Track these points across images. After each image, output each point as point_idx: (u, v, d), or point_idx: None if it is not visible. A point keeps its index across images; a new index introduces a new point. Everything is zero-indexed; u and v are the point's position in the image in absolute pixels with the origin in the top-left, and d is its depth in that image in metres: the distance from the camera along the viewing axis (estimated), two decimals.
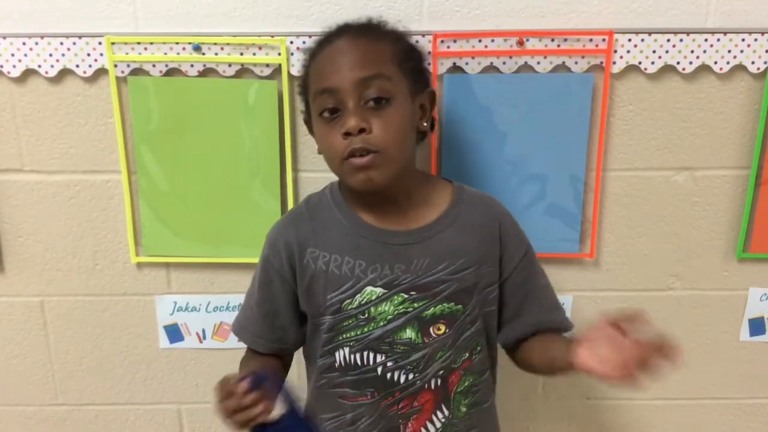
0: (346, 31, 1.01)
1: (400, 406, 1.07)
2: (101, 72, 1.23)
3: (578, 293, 1.38)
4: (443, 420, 1.08)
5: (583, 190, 1.29)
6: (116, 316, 1.40)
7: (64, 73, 1.23)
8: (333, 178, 1.13)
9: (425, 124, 1.05)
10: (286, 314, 1.10)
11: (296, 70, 1.22)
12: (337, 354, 1.06)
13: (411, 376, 1.05)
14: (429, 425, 1.08)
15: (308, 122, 1.08)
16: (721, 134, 1.28)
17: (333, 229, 1.05)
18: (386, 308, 1.03)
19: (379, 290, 1.03)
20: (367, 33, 1.01)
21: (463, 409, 1.10)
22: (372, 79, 0.96)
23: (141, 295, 1.38)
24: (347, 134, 0.95)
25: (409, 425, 1.08)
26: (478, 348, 1.10)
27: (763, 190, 1.29)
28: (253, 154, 1.27)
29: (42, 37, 1.20)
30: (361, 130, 0.95)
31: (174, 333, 1.41)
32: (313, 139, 1.25)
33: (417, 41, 1.10)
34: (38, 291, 1.38)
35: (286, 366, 1.17)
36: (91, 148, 1.29)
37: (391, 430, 1.08)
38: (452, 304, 1.05)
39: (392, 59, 0.99)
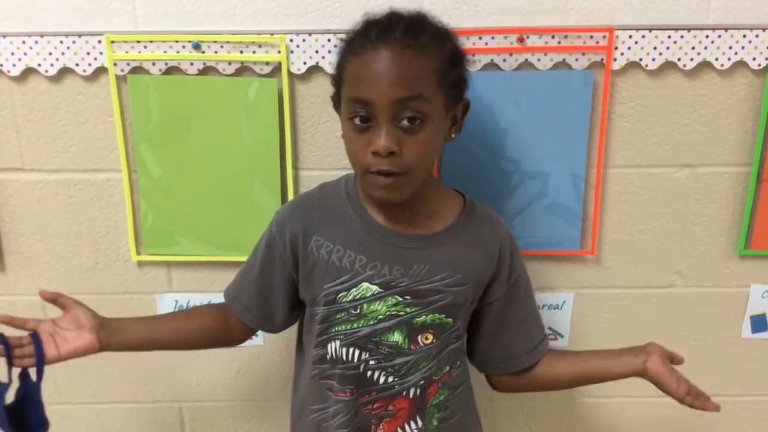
0: (391, 33, 0.93)
1: (374, 406, 1.07)
2: (101, 71, 1.23)
3: (579, 291, 1.38)
4: (416, 430, 1.09)
5: (584, 188, 1.29)
6: (117, 314, 1.35)
7: (64, 71, 1.23)
8: (332, 176, 1.13)
9: (453, 136, 1.03)
10: (279, 294, 1.11)
11: (296, 68, 1.22)
12: (329, 346, 1.07)
13: (391, 379, 1.06)
14: None
15: (335, 101, 1.04)
16: (723, 131, 1.27)
17: (341, 222, 1.06)
18: (378, 307, 1.03)
19: (374, 288, 1.03)
20: (415, 41, 0.93)
21: (435, 423, 1.11)
22: (410, 101, 0.92)
23: (142, 293, 1.38)
24: (375, 153, 0.93)
25: (381, 427, 1.08)
26: (458, 363, 1.11)
27: (764, 187, 1.28)
28: (253, 153, 1.26)
29: (42, 36, 1.20)
30: (390, 153, 0.93)
31: None
32: (315, 135, 1.25)
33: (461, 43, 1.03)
34: (40, 290, 1.38)
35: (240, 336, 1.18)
36: (91, 146, 1.29)
37: (363, 428, 1.09)
38: (443, 315, 1.05)
39: (434, 76, 0.94)
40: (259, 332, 1.38)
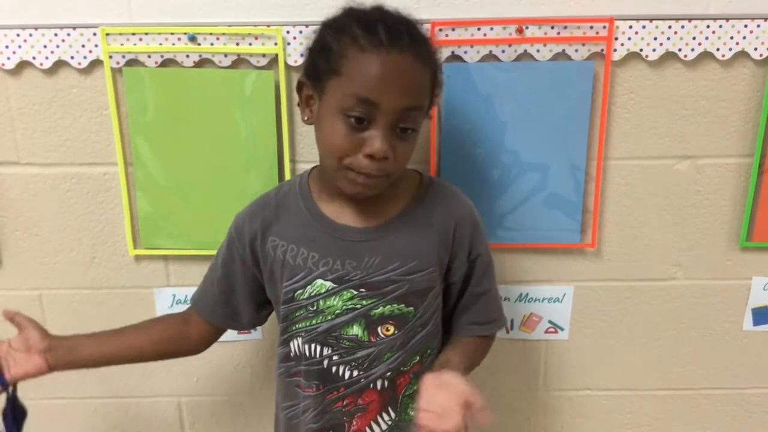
0: (400, 38, 0.92)
1: (344, 403, 1.08)
2: (96, 63, 1.22)
3: (579, 283, 1.37)
4: (389, 422, 1.09)
5: (584, 180, 1.28)
6: (115, 309, 1.39)
7: (59, 64, 1.22)
8: None
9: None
10: (242, 294, 1.12)
11: (293, 60, 1.21)
12: (291, 344, 1.08)
13: (356, 372, 1.06)
14: (374, 425, 1.09)
15: (302, 85, 1.01)
16: (724, 122, 1.26)
17: (294, 220, 1.07)
18: (335, 302, 1.04)
19: (328, 284, 1.04)
20: (422, 54, 0.95)
21: (411, 413, 1.09)
22: (413, 111, 0.94)
23: (139, 288, 1.38)
24: (369, 156, 0.93)
25: (354, 423, 1.08)
26: (429, 351, 1.10)
27: (766, 179, 1.27)
28: (250, 145, 1.26)
29: (36, 29, 1.19)
30: (384, 158, 0.94)
31: None
32: (309, 127, 1.24)
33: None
34: (36, 284, 1.38)
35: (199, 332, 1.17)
36: (87, 140, 1.28)
37: (336, 426, 1.09)
38: (402, 305, 1.05)
39: (430, 87, 0.98)
40: (258, 327, 1.39)
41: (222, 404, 1.48)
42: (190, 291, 1.35)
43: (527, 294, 1.37)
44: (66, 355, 1.07)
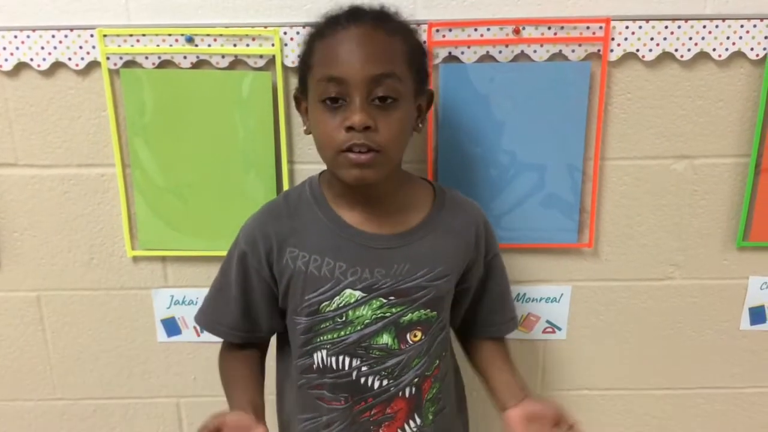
0: (361, 18, 0.95)
1: (372, 413, 1.06)
2: (94, 65, 1.22)
3: (577, 283, 1.37)
4: (415, 429, 1.08)
5: (581, 180, 1.28)
6: (113, 310, 1.39)
7: (57, 66, 1.22)
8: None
9: (420, 125, 1.03)
10: (262, 307, 1.08)
11: (290, 61, 1.21)
12: (315, 356, 1.05)
13: (385, 382, 1.05)
14: None
15: (298, 99, 1.04)
16: (721, 122, 1.26)
17: (314, 229, 1.03)
18: (364, 312, 1.02)
19: (358, 293, 1.01)
20: (383, 24, 0.95)
21: (430, 417, 1.09)
22: (384, 78, 0.92)
23: (138, 288, 1.38)
24: (350, 128, 0.92)
25: (381, 431, 1.07)
26: (444, 354, 1.10)
27: (762, 178, 1.28)
28: (247, 147, 1.26)
29: (33, 30, 1.19)
30: (366, 128, 0.92)
31: (171, 327, 1.41)
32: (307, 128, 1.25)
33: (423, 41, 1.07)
34: (34, 286, 1.38)
35: (263, 354, 1.16)
36: (85, 141, 1.28)
37: None
38: (428, 310, 1.04)
39: (404, 58, 0.96)
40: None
41: (221, 404, 1.47)
42: (188, 292, 1.36)
43: (525, 294, 1.37)
44: (261, 409, 1.04)
